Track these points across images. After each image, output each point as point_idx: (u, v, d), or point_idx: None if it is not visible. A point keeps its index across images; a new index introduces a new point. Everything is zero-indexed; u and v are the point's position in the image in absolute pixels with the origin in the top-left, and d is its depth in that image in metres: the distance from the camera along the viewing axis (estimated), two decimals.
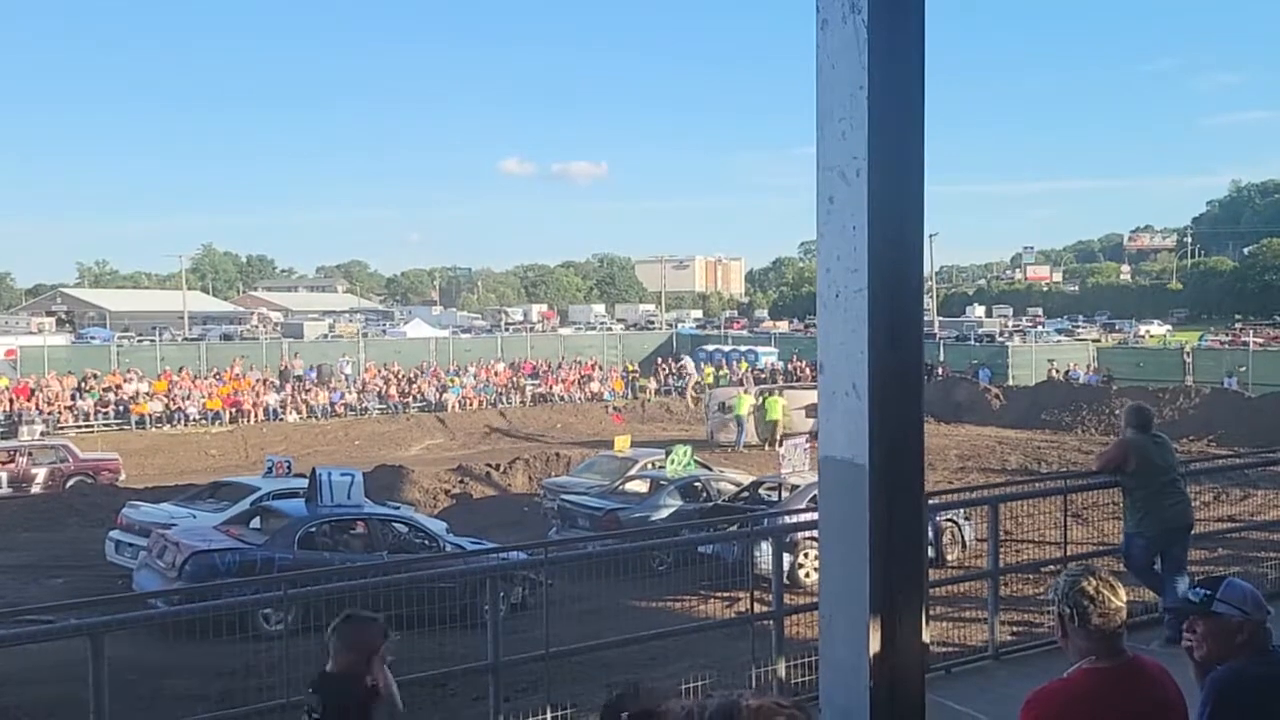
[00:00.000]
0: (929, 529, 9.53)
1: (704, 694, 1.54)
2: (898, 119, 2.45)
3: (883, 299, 2.44)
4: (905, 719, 2.48)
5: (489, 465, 23.89)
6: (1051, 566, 8.14)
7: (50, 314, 68.57)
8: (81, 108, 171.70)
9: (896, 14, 2.43)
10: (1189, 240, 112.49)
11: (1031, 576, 10.03)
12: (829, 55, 2.50)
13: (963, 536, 13.70)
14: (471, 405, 39.33)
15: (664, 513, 15.37)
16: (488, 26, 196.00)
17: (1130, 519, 7.36)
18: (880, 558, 2.45)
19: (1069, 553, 8.35)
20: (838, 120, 2.48)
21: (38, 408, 33.13)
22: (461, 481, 22.36)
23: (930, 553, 11.40)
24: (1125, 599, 2.89)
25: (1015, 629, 8.64)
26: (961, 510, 12.82)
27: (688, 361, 32.38)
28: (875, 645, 2.44)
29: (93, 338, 50.31)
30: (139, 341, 46.25)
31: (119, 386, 35.78)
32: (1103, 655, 2.82)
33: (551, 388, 42.50)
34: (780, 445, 18.19)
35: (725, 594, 10.04)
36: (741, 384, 39.24)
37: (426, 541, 12.70)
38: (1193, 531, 7.80)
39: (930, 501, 8.34)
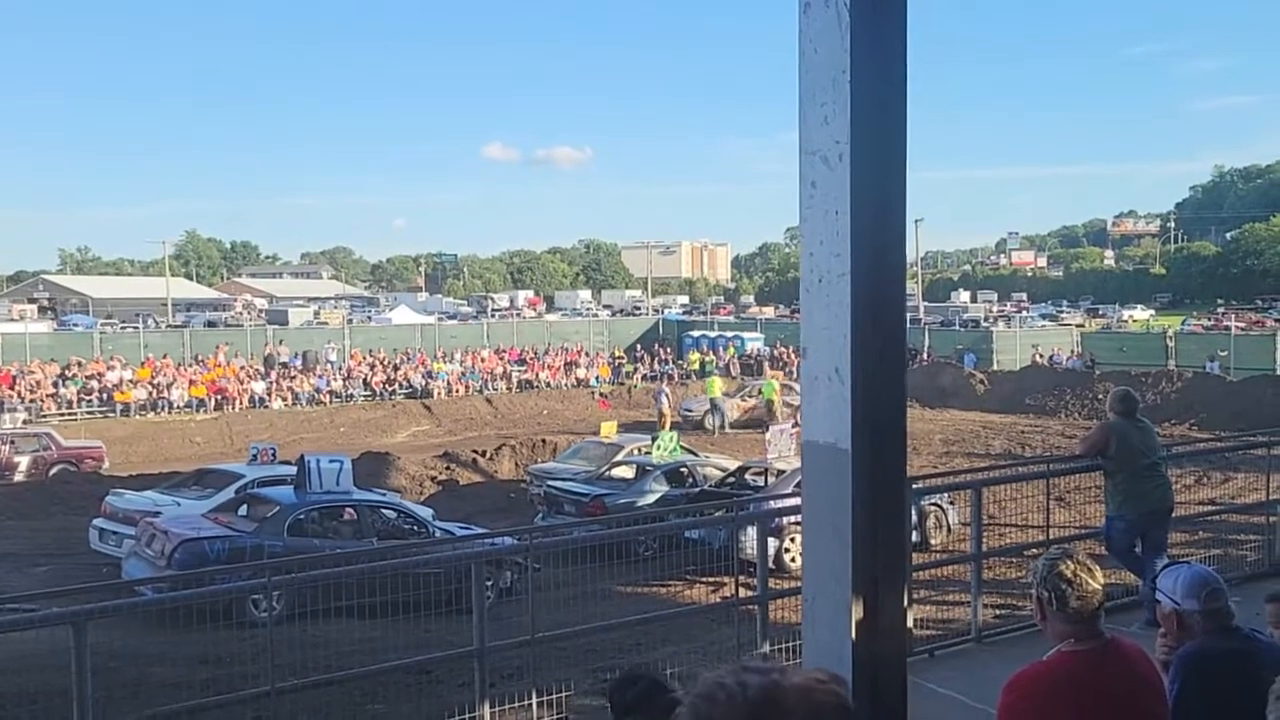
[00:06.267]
0: (913, 513, 9.58)
1: (741, 669, 1.26)
2: (880, 103, 2.45)
3: (865, 283, 2.44)
4: (888, 702, 2.49)
5: (475, 452, 23.85)
6: (1034, 550, 8.19)
7: (32, 301, 68.00)
8: (64, 94, 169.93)
9: None
10: (1172, 225, 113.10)
11: (1014, 560, 10.09)
12: (811, 39, 2.49)
13: (947, 520, 13.78)
14: (458, 392, 39.25)
15: (650, 498, 15.38)
16: (468, 11, 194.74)
17: (1111, 502, 7.43)
18: (863, 542, 2.46)
19: (1051, 536, 8.41)
20: (820, 105, 2.47)
21: (20, 395, 32.87)
22: (448, 468, 22.33)
23: (914, 536, 11.44)
24: (1103, 581, 2.92)
25: (998, 612, 8.70)
26: (945, 494, 12.88)
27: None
28: (858, 629, 2.45)
29: (75, 325, 49.87)
30: (122, 328, 45.89)
31: (102, 374, 35.51)
32: (1081, 637, 2.83)
33: (538, 374, 42.45)
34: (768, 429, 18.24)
35: (711, 579, 10.10)
36: (728, 369, 39.33)
37: (415, 528, 12.69)
38: (1173, 514, 7.89)
39: (914, 485, 8.37)
